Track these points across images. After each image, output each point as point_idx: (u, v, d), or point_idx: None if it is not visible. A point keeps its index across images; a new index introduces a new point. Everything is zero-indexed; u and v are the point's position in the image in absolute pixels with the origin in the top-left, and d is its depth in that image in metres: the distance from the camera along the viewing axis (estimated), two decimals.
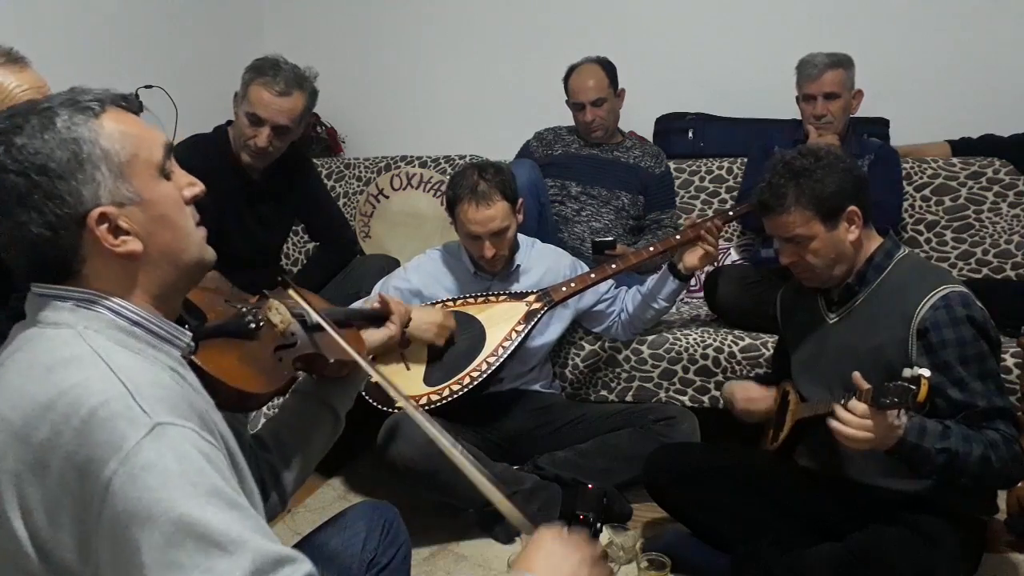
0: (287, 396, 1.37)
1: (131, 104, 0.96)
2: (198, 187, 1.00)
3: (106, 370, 0.84)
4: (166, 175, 0.95)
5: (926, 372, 1.44)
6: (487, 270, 2.40)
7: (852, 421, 1.52)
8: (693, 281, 3.04)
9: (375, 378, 1.25)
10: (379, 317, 1.52)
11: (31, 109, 0.90)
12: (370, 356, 1.42)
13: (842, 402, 1.57)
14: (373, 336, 1.48)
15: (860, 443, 1.53)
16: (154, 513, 0.78)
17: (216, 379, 1.04)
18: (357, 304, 2.42)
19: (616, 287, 2.59)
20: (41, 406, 0.82)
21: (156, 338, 0.94)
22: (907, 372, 1.46)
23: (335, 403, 1.37)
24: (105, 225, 0.89)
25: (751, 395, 2.01)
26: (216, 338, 1.11)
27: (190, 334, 0.99)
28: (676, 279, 2.41)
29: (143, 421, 0.81)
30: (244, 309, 1.22)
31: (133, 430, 0.80)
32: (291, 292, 1.34)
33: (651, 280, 2.49)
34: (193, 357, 1.01)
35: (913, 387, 1.43)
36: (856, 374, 1.60)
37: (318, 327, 1.30)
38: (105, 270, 0.91)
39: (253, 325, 1.20)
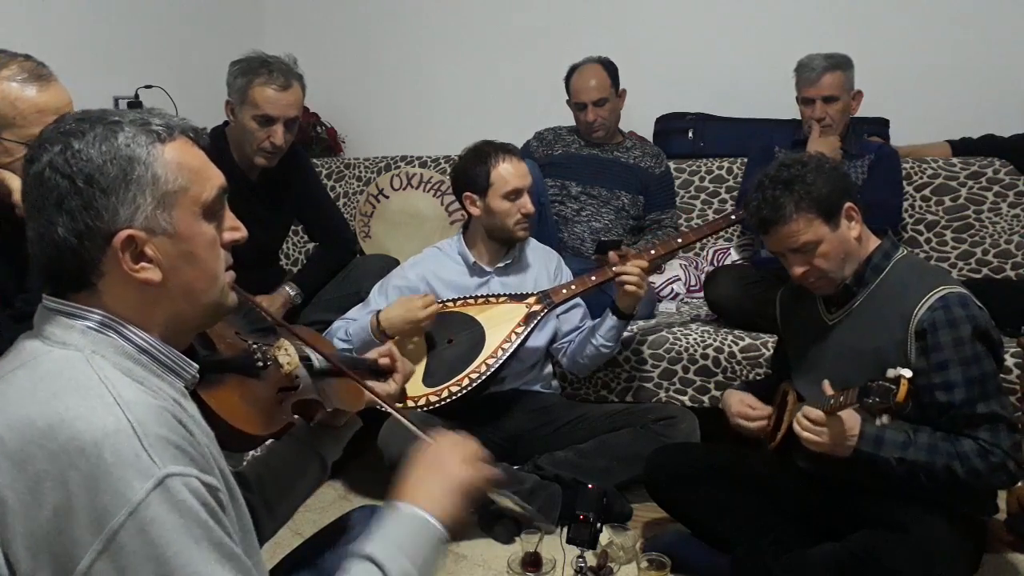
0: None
1: (199, 139, 0.96)
2: (239, 233, 0.99)
3: (112, 403, 0.83)
4: (211, 215, 0.95)
5: (907, 373, 1.48)
6: (488, 266, 2.42)
7: (806, 426, 1.64)
8: (693, 281, 3.06)
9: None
10: (383, 372, 1.50)
11: (101, 118, 0.90)
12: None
13: (824, 405, 1.64)
14: (373, 389, 1.46)
15: (815, 448, 1.64)
16: (162, 570, 0.79)
17: (217, 416, 1.03)
18: (358, 309, 2.42)
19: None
20: (40, 432, 0.80)
21: (162, 367, 0.93)
22: (890, 372, 1.50)
23: (325, 452, 1.36)
24: (130, 248, 0.88)
25: (746, 413, 1.96)
26: (221, 372, 1.09)
27: (197, 366, 0.98)
28: (615, 316, 2.34)
29: (152, 472, 0.80)
30: (253, 346, 1.20)
31: (141, 481, 0.79)
32: (299, 335, 1.31)
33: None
34: (197, 390, 1.00)
35: (893, 387, 1.46)
36: (825, 382, 1.68)
37: (322, 373, 1.28)
38: (120, 290, 0.90)
39: (261, 364, 1.18)
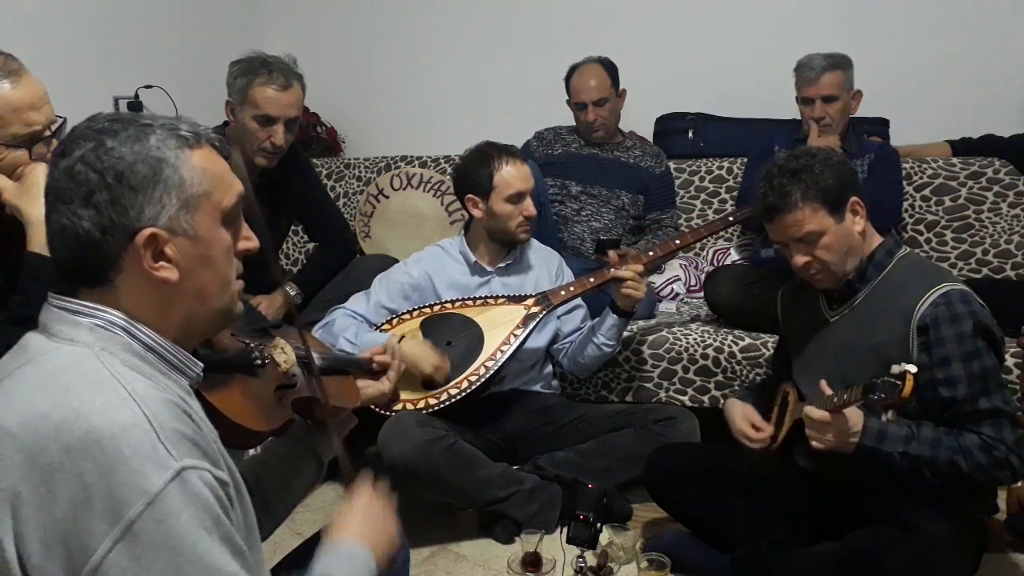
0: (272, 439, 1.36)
1: (223, 150, 0.98)
2: (252, 243, 1.02)
3: (126, 397, 0.84)
4: (229, 222, 0.97)
5: (912, 368, 1.48)
6: (488, 267, 2.42)
7: (810, 424, 1.65)
8: (693, 281, 3.06)
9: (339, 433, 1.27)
10: (377, 371, 1.52)
11: (133, 120, 0.93)
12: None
13: (828, 403, 1.65)
14: (367, 389, 1.49)
15: (820, 446, 1.65)
16: (177, 560, 0.80)
17: (221, 413, 1.05)
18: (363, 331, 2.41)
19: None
20: (54, 426, 0.81)
21: (168, 365, 0.94)
22: (895, 368, 1.51)
23: (321, 451, 1.37)
24: (151, 246, 0.90)
25: (748, 434, 1.95)
26: (222, 371, 1.11)
27: (201, 364, 1.00)
28: (615, 314, 2.34)
29: (169, 464, 0.82)
30: (251, 345, 1.22)
31: (159, 473, 0.81)
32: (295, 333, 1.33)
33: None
34: (200, 388, 1.02)
35: (899, 383, 1.47)
36: (822, 382, 1.70)
37: (318, 371, 1.30)
38: (136, 288, 0.92)
39: (259, 362, 1.20)
